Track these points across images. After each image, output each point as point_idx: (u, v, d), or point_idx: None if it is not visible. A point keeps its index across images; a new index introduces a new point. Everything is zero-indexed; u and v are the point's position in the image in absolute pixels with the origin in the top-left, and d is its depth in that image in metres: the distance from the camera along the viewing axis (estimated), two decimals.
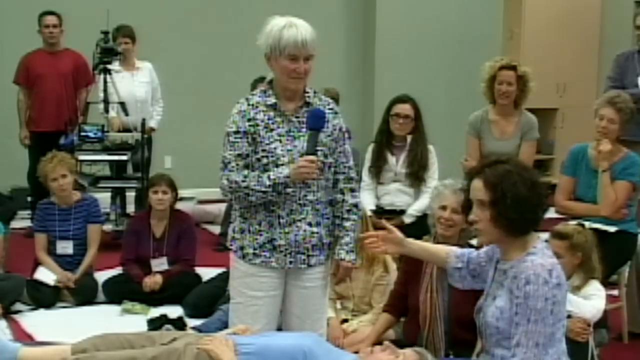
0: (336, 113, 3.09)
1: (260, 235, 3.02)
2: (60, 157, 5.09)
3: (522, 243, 2.62)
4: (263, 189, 2.91)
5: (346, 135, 3.14)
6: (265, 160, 2.96)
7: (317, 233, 3.04)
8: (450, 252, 2.96)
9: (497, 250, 2.74)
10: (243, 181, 2.93)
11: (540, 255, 2.57)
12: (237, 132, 2.97)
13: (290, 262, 3.04)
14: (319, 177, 2.96)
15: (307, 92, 3.04)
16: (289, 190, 2.94)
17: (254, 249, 3.03)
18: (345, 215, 3.10)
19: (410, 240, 2.99)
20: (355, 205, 3.12)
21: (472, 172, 2.71)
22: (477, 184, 2.62)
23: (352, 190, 3.11)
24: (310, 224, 3.02)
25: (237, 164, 2.96)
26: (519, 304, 2.51)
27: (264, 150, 2.96)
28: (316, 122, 2.95)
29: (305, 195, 2.99)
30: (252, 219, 3.03)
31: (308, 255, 3.05)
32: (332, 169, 3.07)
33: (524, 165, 2.69)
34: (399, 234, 2.94)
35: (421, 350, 3.00)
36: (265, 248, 3.02)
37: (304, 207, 3.00)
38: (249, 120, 2.97)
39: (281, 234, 3.00)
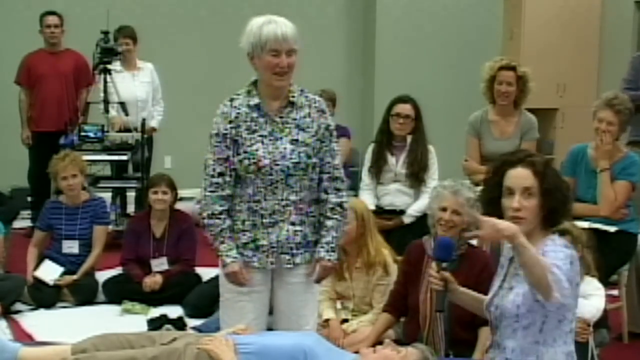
0: (323, 112, 3.06)
1: (244, 234, 3.02)
2: (72, 156, 5.10)
3: (542, 237, 2.64)
4: (220, 253, 3.02)
5: (334, 133, 3.10)
6: (246, 162, 2.94)
7: (301, 231, 3.03)
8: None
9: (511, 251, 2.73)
10: (218, 218, 2.99)
11: (553, 247, 2.59)
12: (217, 135, 2.99)
13: (272, 263, 3.03)
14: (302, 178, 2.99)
15: (292, 91, 3.02)
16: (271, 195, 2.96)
17: (238, 247, 3.03)
18: (329, 214, 3.06)
19: (463, 289, 2.93)
20: (340, 205, 3.07)
21: (509, 161, 2.69)
22: (524, 172, 2.62)
23: (337, 189, 3.07)
24: (293, 224, 3.00)
25: (215, 169, 2.97)
26: None
27: (245, 152, 2.95)
28: (441, 252, 2.89)
29: (288, 196, 2.98)
30: (235, 218, 3.03)
31: (292, 255, 3.04)
32: (317, 169, 3.03)
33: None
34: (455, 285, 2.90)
35: (422, 347, 3.00)
36: (248, 248, 3.03)
37: (286, 208, 2.98)
38: (230, 122, 2.97)
39: (264, 235, 3.00)
